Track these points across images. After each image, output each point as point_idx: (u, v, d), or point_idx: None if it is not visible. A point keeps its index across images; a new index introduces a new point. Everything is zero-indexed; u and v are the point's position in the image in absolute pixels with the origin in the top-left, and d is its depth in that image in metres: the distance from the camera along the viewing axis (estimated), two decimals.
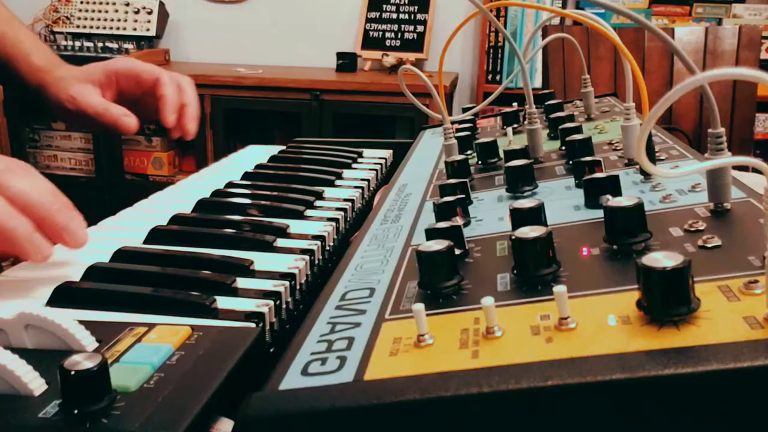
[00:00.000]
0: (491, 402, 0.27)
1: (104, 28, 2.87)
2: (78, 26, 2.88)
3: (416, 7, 2.74)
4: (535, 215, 0.41)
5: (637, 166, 0.53)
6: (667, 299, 0.29)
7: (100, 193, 2.73)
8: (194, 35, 3.03)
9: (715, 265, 0.33)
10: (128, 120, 0.78)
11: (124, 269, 0.50)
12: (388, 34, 2.77)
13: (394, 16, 2.76)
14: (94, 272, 0.48)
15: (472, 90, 2.86)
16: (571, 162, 0.55)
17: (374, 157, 0.88)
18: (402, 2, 2.76)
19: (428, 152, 0.77)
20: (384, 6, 2.77)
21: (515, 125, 0.77)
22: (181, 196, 0.71)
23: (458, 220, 0.46)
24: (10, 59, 0.83)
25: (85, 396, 0.30)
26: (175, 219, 0.60)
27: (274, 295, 0.45)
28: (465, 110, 0.82)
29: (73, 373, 0.30)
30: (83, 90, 0.80)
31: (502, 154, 0.62)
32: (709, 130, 0.42)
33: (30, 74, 0.83)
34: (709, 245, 0.36)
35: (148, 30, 2.86)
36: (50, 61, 0.84)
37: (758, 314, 0.28)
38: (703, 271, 0.33)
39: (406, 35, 2.75)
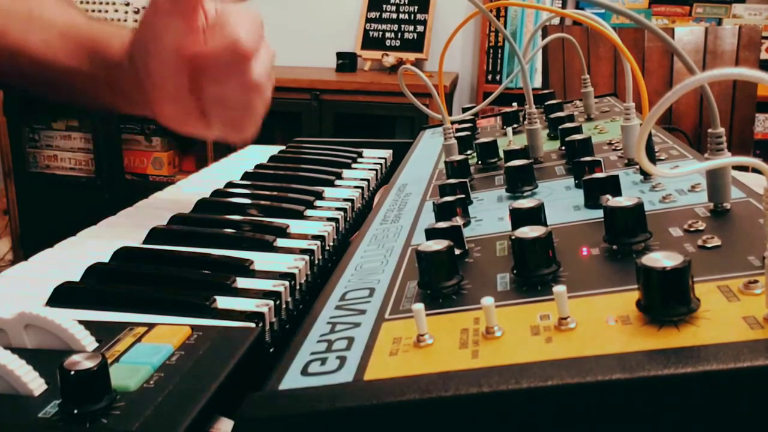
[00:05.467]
0: (491, 402, 0.27)
1: None
2: None
3: (416, 7, 2.74)
4: (535, 215, 0.41)
5: (637, 166, 0.53)
6: (667, 299, 0.29)
7: (100, 193, 2.73)
8: None
9: (714, 265, 0.33)
10: None
11: (124, 269, 0.50)
12: (388, 34, 2.77)
13: (394, 16, 2.76)
14: (93, 272, 0.48)
15: (472, 90, 2.86)
16: (571, 162, 0.55)
17: (374, 157, 0.88)
18: (402, 2, 2.76)
19: (428, 152, 0.77)
20: (384, 6, 2.77)
21: (515, 125, 0.77)
22: (181, 196, 0.71)
23: (458, 220, 0.46)
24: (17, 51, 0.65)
25: (85, 396, 0.30)
26: (175, 219, 0.60)
27: (273, 294, 0.45)
28: (465, 110, 0.82)
29: (72, 373, 0.30)
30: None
31: (502, 154, 0.62)
32: (709, 130, 0.42)
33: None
34: (708, 245, 0.36)
35: None
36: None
37: (758, 314, 0.28)
38: (703, 271, 0.33)
39: (406, 35, 2.75)
